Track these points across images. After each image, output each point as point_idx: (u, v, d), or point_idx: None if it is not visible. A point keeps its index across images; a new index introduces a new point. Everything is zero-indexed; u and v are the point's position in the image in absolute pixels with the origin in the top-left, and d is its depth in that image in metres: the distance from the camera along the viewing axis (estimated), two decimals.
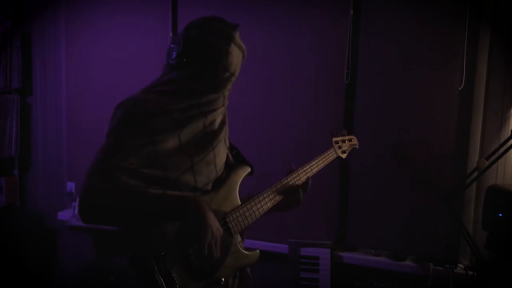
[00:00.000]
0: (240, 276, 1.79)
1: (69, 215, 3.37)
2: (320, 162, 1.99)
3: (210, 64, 1.64)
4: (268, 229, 2.95)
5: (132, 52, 3.23)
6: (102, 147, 1.55)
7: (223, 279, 1.66)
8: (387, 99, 2.79)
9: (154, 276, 1.50)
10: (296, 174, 1.90)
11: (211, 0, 2.99)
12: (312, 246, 2.81)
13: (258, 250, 1.80)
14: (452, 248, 2.63)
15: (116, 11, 3.29)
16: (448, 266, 2.59)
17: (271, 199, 1.82)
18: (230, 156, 1.80)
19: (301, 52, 2.91)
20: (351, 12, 2.79)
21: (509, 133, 2.44)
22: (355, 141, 2.21)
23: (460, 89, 2.63)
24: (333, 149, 2.08)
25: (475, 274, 2.52)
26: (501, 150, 2.39)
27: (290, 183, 1.88)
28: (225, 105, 1.77)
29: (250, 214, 1.75)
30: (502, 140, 2.48)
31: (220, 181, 1.72)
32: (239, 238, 1.76)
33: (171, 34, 3.12)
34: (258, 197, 1.79)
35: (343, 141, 2.15)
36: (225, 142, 1.77)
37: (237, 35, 1.68)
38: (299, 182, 1.90)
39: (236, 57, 1.67)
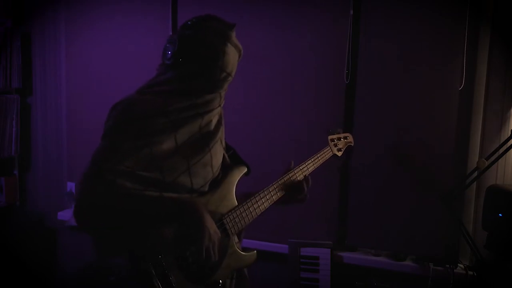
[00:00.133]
0: (237, 277, 1.78)
1: (69, 215, 3.37)
2: (316, 160, 1.99)
3: (206, 64, 1.62)
4: (268, 229, 2.95)
5: (132, 52, 3.23)
6: (97, 149, 1.53)
7: (220, 281, 1.66)
8: (387, 99, 2.79)
9: (151, 279, 1.49)
10: (292, 173, 1.90)
11: (211, 0, 2.99)
12: (312, 246, 2.81)
13: (255, 251, 1.79)
14: (452, 248, 2.63)
15: (116, 11, 3.29)
16: (448, 266, 2.59)
17: (267, 199, 1.81)
18: (226, 156, 1.79)
19: (301, 52, 2.91)
20: (351, 12, 2.79)
21: (509, 133, 2.44)
22: (350, 138, 2.21)
23: (460, 89, 2.63)
24: (328, 147, 2.08)
25: (475, 274, 2.52)
26: (501, 150, 2.38)
27: (286, 182, 1.88)
28: (221, 105, 1.75)
29: (247, 215, 1.75)
30: (502, 140, 2.48)
31: (217, 182, 1.71)
32: (236, 239, 1.75)
33: (171, 34, 3.12)
34: (255, 197, 1.78)
35: (339, 139, 2.15)
36: (221, 142, 1.75)
37: (233, 35, 1.66)
38: (295, 181, 1.90)
39: (232, 57, 1.66)
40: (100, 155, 1.51)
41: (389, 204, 2.80)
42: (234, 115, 3.03)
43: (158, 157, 1.54)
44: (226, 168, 1.76)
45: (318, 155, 2.02)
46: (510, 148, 2.35)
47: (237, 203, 1.74)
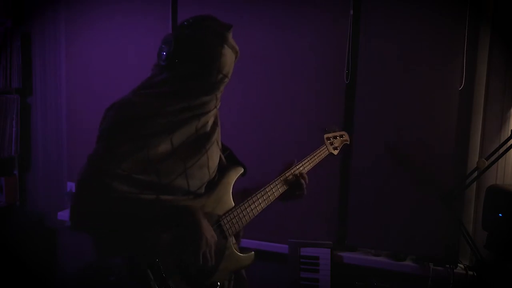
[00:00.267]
0: (236, 278, 1.78)
1: (69, 215, 3.37)
2: (312, 159, 2.00)
3: (202, 66, 1.60)
4: (268, 229, 2.95)
5: (132, 52, 3.23)
6: (93, 152, 1.52)
7: (219, 283, 1.65)
8: (387, 99, 2.78)
9: (149, 282, 1.48)
10: (289, 173, 1.90)
11: (211, 0, 2.99)
12: (312, 246, 2.81)
13: (253, 252, 1.79)
14: (452, 248, 2.63)
15: (116, 11, 3.29)
16: (448, 266, 2.59)
17: (265, 199, 1.81)
18: (222, 157, 1.78)
19: (301, 52, 2.90)
20: (351, 12, 2.79)
21: (509, 133, 2.44)
22: (346, 137, 2.21)
23: (460, 89, 2.63)
24: (325, 146, 2.08)
25: (475, 274, 2.52)
26: (501, 150, 2.38)
27: (283, 182, 1.88)
28: (218, 107, 1.73)
29: (244, 216, 1.75)
30: (502, 140, 2.48)
31: (213, 184, 1.70)
32: (233, 240, 1.75)
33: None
34: (252, 197, 1.78)
35: (335, 137, 2.15)
36: (217, 144, 1.74)
37: (230, 36, 1.64)
38: (292, 180, 1.90)
39: (229, 58, 1.64)
40: (96, 158, 1.50)
41: (389, 204, 2.80)
42: (234, 115, 3.03)
43: (155, 160, 1.53)
44: (223, 169, 1.76)
45: (314, 154, 2.02)
46: (510, 148, 2.35)
47: (234, 204, 1.74)
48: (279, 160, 2.77)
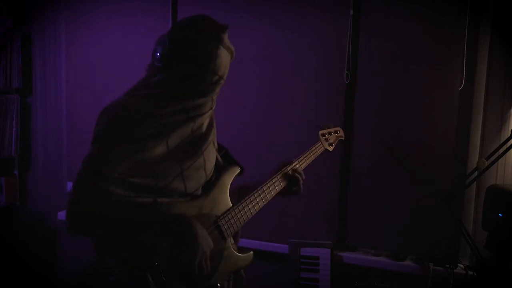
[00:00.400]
0: (234, 278, 1.77)
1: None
2: (308, 156, 2.01)
3: (197, 67, 1.57)
4: (268, 229, 2.95)
5: (132, 52, 3.23)
6: (88, 156, 1.50)
7: (218, 284, 1.65)
8: (387, 99, 2.78)
9: (149, 286, 1.47)
10: (286, 171, 1.91)
11: (211, 0, 2.99)
12: (312, 246, 2.81)
13: (251, 252, 1.78)
14: (452, 248, 2.63)
15: (116, 11, 3.29)
16: (448, 266, 2.59)
17: (262, 198, 1.81)
18: (219, 157, 1.77)
19: (301, 52, 2.90)
20: (351, 12, 2.79)
21: (509, 133, 2.44)
22: (341, 132, 2.22)
23: (460, 89, 2.63)
24: (320, 143, 2.09)
25: (475, 274, 2.52)
26: (501, 150, 2.38)
27: (280, 180, 1.88)
28: (213, 108, 1.71)
29: (242, 215, 1.74)
30: (502, 140, 2.48)
31: (210, 185, 1.69)
32: (231, 240, 1.74)
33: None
34: (249, 197, 1.78)
35: (330, 133, 2.16)
36: (213, 144, 1.73)
37: (226, 37, 1.62)
38: (289, 177, 1.91)
39: (225, 59, 1.61)
40: (91, 161, 1.48)
41: (389, 204, 2.80)
42: (234, 115, 3.03)
43: (151, 163, 1.51)
44: (219, 169, 1.74)
45: (310, 151, 2.03)
46: (510, 148, 2.35)
47: (231, 204, 1.73)
48: (279, 160, 2.79)
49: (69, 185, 3.49)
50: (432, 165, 2.72)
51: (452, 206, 2.50)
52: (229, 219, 1.70)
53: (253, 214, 1.78)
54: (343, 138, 2.24)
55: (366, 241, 2.86)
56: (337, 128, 2.21)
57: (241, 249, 1.77)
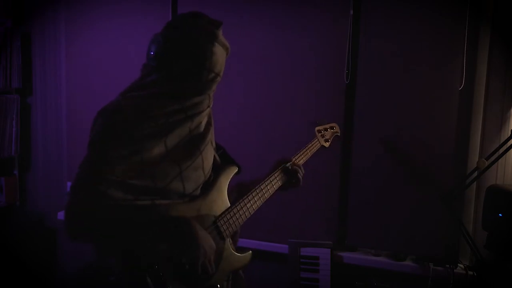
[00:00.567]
0: (233, 278, 1.77)
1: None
2: (305, 153, 2.01)
3: (193, 66, 1.56)
4: (268, 229, 2.95)
5: (132, 52, 3.23)
6: (85, 160, 1.49)
7: (218, 285, 1.64)
8: (387, 99, 2.78)
9: None
10: (283, 168, 1.91)
11: (211, 0, 2.99)
12: (312, 246, 2.81)
13: (250, 251, 1.78)
14: (452, 248, 2.63)
15: (116, 11, 3.29)
16: (448, 266, 2.59)
17: (260, 197, 1.81)
18: (217, 156, 1.77)
19: (301, 52, 2.90)
20: (351, 12, 2.79)
21: (509, 133, 2.44)
22: (337, 128, 2.22)
23: (460, 89, 2.63)
24: (316, 139, 2.09)
25: (475, 274, 2.52)
26: (501, 150, 2.38)
27: (277, 178, 1.88)
28: (210, 106, 1.70)
29: (241, 215, 1.74)
30: (502, 140, 2.48)
31: (208, 185, 1.68)
32: (230, 240, 1.73)
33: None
34: (247, 196, 1.78)
35: (326, 129, 2.16)
36: (211, 144, 1.72)
37: (220, 33, 1.60)
38: (288, 172, 1.92)
39: (220, 56, 1.60)
40: (88, 165, 1.47)
41: (389, 204, 2.80)
42: (234, 115, 3.03)
43: (149, 164, 1.50)
44: (217, 169, 1.74)
45: (306, 148, 2.04)
46: (510, 148, 2.35)
47: (229, 204, 1.73)
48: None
49: (69, 185, 3.50)
50: (432, 165, 2.72)
51: (452, 206, 2.50)
52: (228, 219, 1.70)
53: (251, 214, 1.78)
54: (339, 134, 2.25)
55: (366, 241, 2.86)
56: (333, 124, 2.22)
57: (240, 249, 1.77)
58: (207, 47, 1.56)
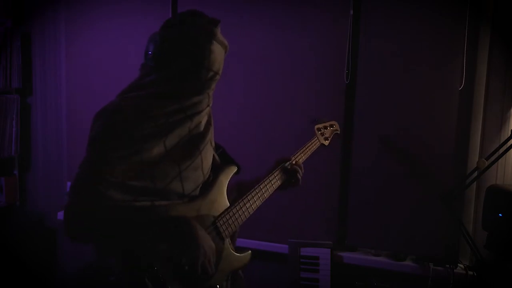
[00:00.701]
0: (232, 278, 1.76)
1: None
2: (304, 152, 2.01)
3: (192, 64, 1.55)
4: (268, 229, 2.95)
5: (132, 52, 3.22)
6: (84, 161, 1.48)
7: (218, 286, 1.64)
8: (387, 99, 2.78)
9: None
10: (283, 167, 1.91)
11: (211, 0, 2.99)
12: (312, 246, 2.81)
13: (250, 251, 1.77)
14: (452, 248, 2.63)
15: (116, 11, 3.29)
16: (448, 266, 2.59)
17: (259, 197, 1.81)
18: (216, 156, 1.76)
19: (301, 52, 2.90)
20: (351, 12, 2.79)
21: (509, 133, 2.44)
22: (336, 126, 2.21)
23: (460, 89, 2.63)
24: (316, 137, 2.08)
25: (475, 274, 2.52)
26: (501, 150, 2.38)
27: (277, 177, 1.88)
28: (210, 105, 1.69)
29: (240, 215, 1.73)
30: (502, 140, 2.48)
31: (208, 185, 1.67)
32: (229, 240, 1.73)
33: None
34: (246, 196, 1.77)
35: (325, 127, 2.15)
36: (211, 143, 1.71)
37: (218, 31, 1.59)
38: (287, 171, 1.91)
39: (219, 54, 1.59)
40: (87, 166, 1.46)
41: (389, 204, 2.80)
42: (234, 115, 3.03)
43: (149, 164, 1.49)
44: (217, 169, 1.73)
45: (306, 146, 2.03)
46: (510, 148, 2.35)
47: (229, 204, 1.72)
48: None
49: (69, 185, 3.50)
50: (432, 165, 2.72)
51: (452, 206, 2.50)
52: (227, 220, 1.70)
53: (251, 213, 1.77)
54: (338, 132, 2.24)
55: (366, 241, 2.86)
56: (333, 122, 2.21)
57: (240, 249, 1.77)
58: (205, 45, 1.55)
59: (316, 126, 2.13)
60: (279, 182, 1.89)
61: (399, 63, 2.75)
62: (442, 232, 2.70)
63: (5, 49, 3.33)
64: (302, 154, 1.98)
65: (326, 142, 2.14)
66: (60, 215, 3.41)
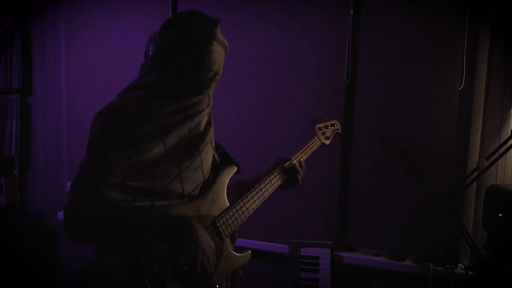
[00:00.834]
0: (232, 277, 1.76)
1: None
2: (305, 151, 2.00)
3: (192, 64, 1.55)
4: (268, 229, 2.95)
5: (132, 52, 3.22)
6: (84, 161, 1.48)
7: (217, 286, 1.64)
8: (387, 99, 2.78)
9: None
10: (283, 167, 1.91)
11: (211, 0, 2.99)
12: (312, 246, 2.81)
13: (249, 251, 1.77)
14: (452, 248, 2.63)
15: (116, 11, 3.29)
16: (448, 266, 2.59)
17: (259, 197, 1.81)
18: (216, 156, 1.76)
19: (301, 52, 2.90)
20: (351, 12, 2.79)
21: (509, 133, 2.44)
22: (337, 125, 2.21)
23: (460, 89, 2.63)
24: (317, 137, 2.08)
25: (475, 274, 2.52)
26: (501, 150, 2.38)
27: (277, 177, 1.88)
28: (210, 105, 1.69)
29: (240, 215, 1.73)
30: (502, 140, 2.48)
31: (207, 185, 1.67)
32: (229, 240, 1.73)
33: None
34: (246, 196, 1.77)
35: (326, 127, 2.15)
36: (211, 143, 1.71)
37: (218, 32, 1.58)
38: (288, 171, 1.91)
39: (219, 54, 1.59)
40: (87, 167, 1.46)
41: (389, 204, 2.80)
42: (234, 115, 3.03)
43: (148, 164, 1.49)
44: (217, 169, 1.73)
45: (306, 146, 2.02)
46: (510, 148, 2.35)
47: (228, 204, 1.72)
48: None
49: (69, 185, 3.50)
50: (432, 165, 2.72)
51: (452, 206, 2.50)
52: (227, 220, 1.69)
53: (250, 213, 1.77)
54: (339, 131, 2.23)
55: (366, 241, 2.86)
56: (334, 121, 2.20)
57: (240, 249, 1.77)
58: (205, 45, 1.55)
59: (317, 126, 2.12)
60: (279, 182, 1.89)
61: (399, 63, 2.75)
62: (442, 232, 2.70)
63: (5, 49, 3.33)
64: (302, 154, 1.98)
65: (327, 142, 2.13)
66: (60, 215, 3.41)
